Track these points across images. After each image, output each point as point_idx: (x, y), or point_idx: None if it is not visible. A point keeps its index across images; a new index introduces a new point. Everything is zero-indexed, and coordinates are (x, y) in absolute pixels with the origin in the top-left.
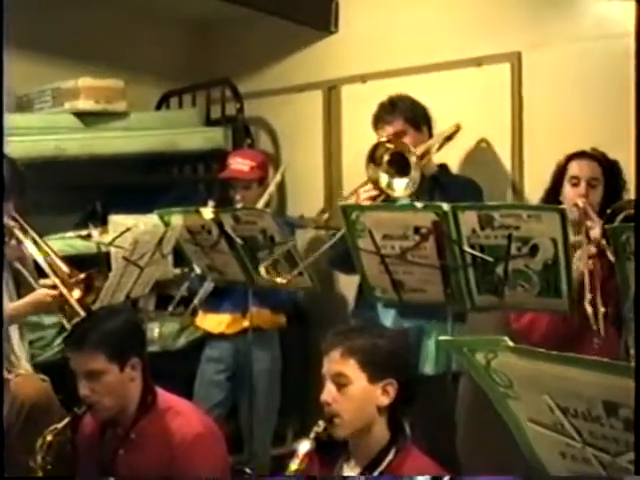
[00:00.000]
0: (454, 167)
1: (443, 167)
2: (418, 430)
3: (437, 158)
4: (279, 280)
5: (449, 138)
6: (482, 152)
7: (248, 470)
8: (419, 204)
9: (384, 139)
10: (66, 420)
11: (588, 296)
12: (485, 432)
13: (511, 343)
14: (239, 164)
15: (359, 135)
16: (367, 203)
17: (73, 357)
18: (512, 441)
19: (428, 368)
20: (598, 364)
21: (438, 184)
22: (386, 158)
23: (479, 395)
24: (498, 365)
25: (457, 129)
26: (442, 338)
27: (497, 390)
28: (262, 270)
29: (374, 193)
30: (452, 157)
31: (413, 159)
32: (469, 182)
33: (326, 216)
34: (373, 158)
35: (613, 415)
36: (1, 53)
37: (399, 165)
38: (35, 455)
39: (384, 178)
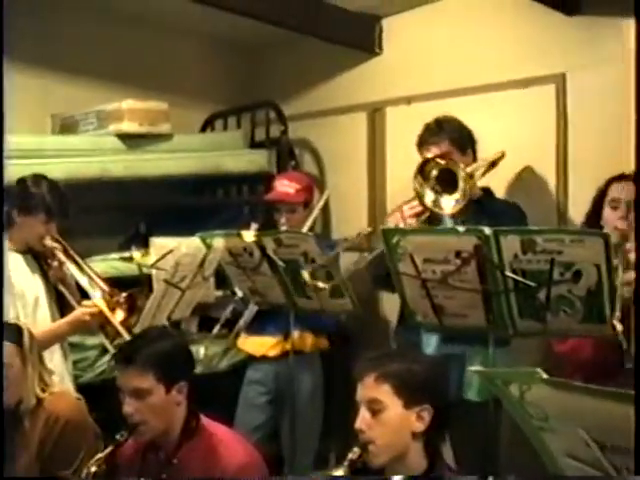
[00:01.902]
0: (499, 190)
1: (486, 191)
2: (462, 457)
3: (481, 182)
4: (321, 285)
5: (493, 164)
6: (527, 176)
7: None
8: (461, 228)
9: (433, 155)
10: (109, 449)
11: (617, 314)
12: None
13: (545, 375)
14: (285, 187)
15: (403, 157)
16: (411, 220)
17: (121, 374)
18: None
19: (471, 394)
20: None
21: (482, 208)
22: (434, 173)
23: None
24: (532, 397)
25: (502, 156)
26: (474, 369)
27: (531, 423)
28: (306, 275)
29: (419, 209)
30: (497, 180)
31: (462, 176)
32: (513, 206)
33: (364, 233)
34: (422, 172)
35: None
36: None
37: (446, 183)
38: None
39: (430, 195)
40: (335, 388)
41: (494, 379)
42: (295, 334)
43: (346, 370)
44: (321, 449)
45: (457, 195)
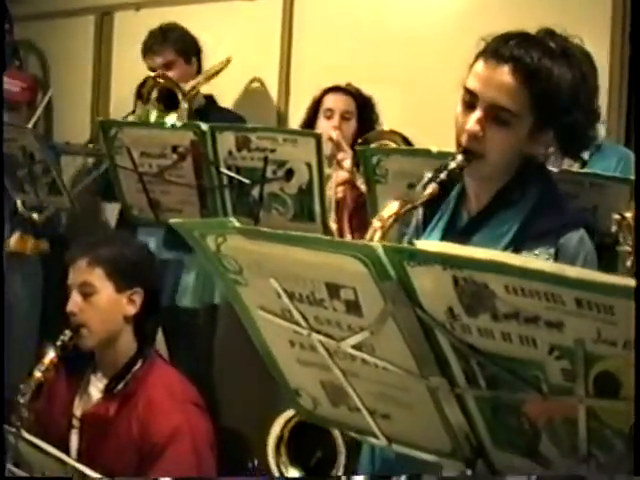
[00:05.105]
0: (223, 98)
1: (209, 98)
2: (180, 361)
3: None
4: None
5: (217, 72)
6: (250, 86)
7: None
8: (178, 122)
9: (152, 75)
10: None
11: (333, 216)
12: (240, 366)
13: (237, 223)
14: (9, 85)
15: (130, 63)
16: None
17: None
18: (266, 375)
19: (186, 300)
20: (320, 242)
21: (204, 118)
22: (154, 95)
23: (235, 329)
24: (227, 249)
25: (227, 63)
26: (172, 221)
27: (227, 277)
28: None
29: None
30: (220, 88)
31: (182, 96)
32: (235, 117)
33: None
34: (140, 95)
35: (335, 297)
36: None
37: (167, 100)
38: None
39: (154, 115)
40: (55, 292)
41: (192, 231)
42: (15, 236)
43: (66, 274)
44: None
45: (177, 112)
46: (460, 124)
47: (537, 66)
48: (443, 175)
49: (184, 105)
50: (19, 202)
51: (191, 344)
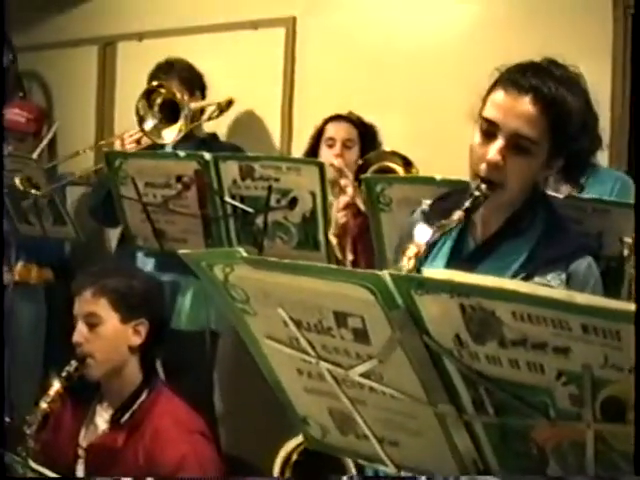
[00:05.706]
0: (226, 128)
1: (213, 135)
2: (176, 384)
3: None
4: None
5: (221, 111)
6: (252, 118)
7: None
8: (182, 152)
9: (159, 84)
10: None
11: (334, 240)
12: (245, 391)
13: (245, 253)
14: (16, 115)
15: (133, 93)
16: (131, 146)
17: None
18: (272, 398)
19: (183, 324)
20: (328, 271)
21: (207, 148)
22: (158, 101)
23: (238, 354)
24: (235, 279)
25: (230, 102)
26: (181, 252)
27: (235, 307)
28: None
29: (138, 136)
30: (222, 120)
31: (184, 108)
32: (234, 149)
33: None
34: (148, 98)
35: (343, 325)
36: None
37: (169, 113)
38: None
39: (150, 122)
40: (58, 321)
41: (199, 262)
42: (19, 265)
43: (70, 303)
44: (45, 378)
45: (177, 126)
46: (479, 154)
47: (555, 95)
48: (468, 203)
49: (182, 122)
50: (17, 180)
51: (189, 367)
